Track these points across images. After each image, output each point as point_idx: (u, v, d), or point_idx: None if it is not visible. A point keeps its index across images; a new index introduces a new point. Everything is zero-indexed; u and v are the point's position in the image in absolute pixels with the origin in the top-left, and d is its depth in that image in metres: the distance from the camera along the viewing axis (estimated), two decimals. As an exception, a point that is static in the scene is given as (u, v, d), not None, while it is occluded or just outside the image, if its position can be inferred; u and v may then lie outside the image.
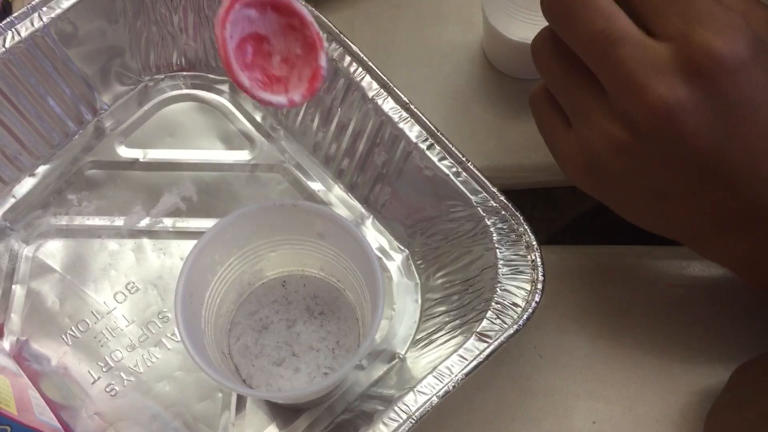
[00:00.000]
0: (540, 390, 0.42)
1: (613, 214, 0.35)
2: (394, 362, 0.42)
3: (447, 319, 0.40)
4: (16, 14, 0.41)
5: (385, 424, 0.35)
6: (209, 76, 0.48)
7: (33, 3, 0.41)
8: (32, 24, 0.41)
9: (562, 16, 0.30)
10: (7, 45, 0.41)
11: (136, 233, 0.45)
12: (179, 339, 0.42)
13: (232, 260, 0.37)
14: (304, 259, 0.39)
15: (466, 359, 0.36)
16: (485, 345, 0.36)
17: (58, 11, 0.42)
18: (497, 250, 0.38)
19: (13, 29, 0.41)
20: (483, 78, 0.49)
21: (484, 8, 0.46)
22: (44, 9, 0.42)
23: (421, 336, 0.42)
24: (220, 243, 0.35)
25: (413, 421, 0.34)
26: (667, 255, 0.45)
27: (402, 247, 0.44)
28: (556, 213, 0.59)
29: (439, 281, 0.42)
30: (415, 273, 0.44)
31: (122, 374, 0.42)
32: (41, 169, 0.46)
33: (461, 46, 0.50)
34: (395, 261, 0.44)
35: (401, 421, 0.34)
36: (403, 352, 0.42)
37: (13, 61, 0.42)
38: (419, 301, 0.43)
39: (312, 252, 0.38)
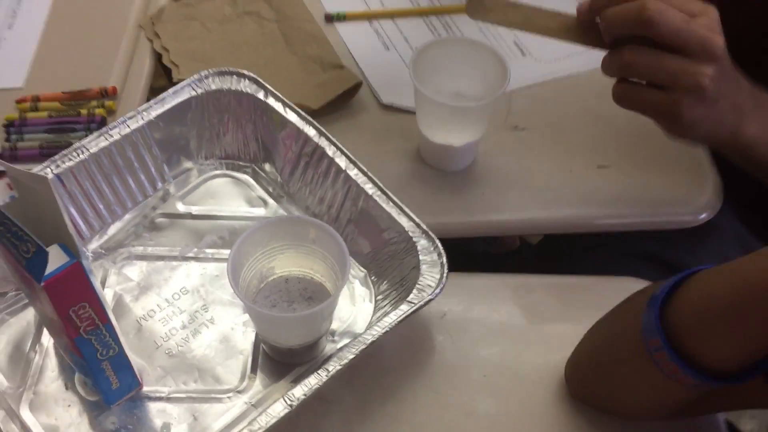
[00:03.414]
0: (448, 357, 0.64)
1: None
2: (355, 337, 0.64)
3: (390, 306, 0.63)
4: (128, 114, 0.67)
5: (350, 350, 0.57)
6: (239, 162, 0.73)
7: (139, 108, 0.67)
8: (137, 122, 0.67)
9: (663, 26, 0.55)
10: (122, 133, 0.66)
11: (187, 258, 0.68)
12: (215, 322, 0.65)
13: (257, 254, 0.60)
14: (301, 261, 0.62)
15: (402, 311, 0.59)
16: (412, 306, 0.59)
17: (154, 114, 0.68)
18: (419, 255, 0.62)
19: (125, 123, 0.67)
20: (418, 170, 0.75)
21: (419, 124, 0.73)
22: (144, 113, 0.68)
23: (373, 320, 0.64)
24: (251, 240, 0.59)
25: (365, 345, 0.57)
26: (539, 283, 0.70)
27: (362, 269, 0.68)
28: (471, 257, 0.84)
29: (385, 285, 0.66)
30: (370, 284, 0.67)
31: (176, 342, 0.64)
32: (126, 216, 0.70)
33: (402, 150, 0.76)
34: (357, 278, 0.68)
35: (365, 346, 0.57)
36: (361, 332, 0.64)
37: (123, 144, 0.67)
38: (373, 301, 0.66)
39: (307, 254, 0.61)
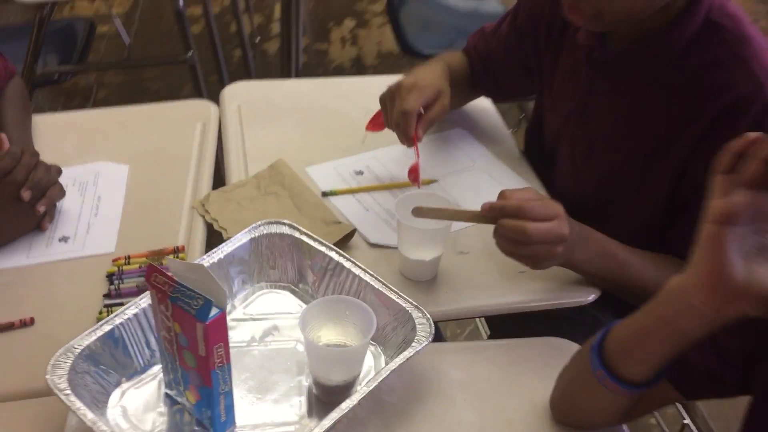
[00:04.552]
0: (435, 389, 0.96)
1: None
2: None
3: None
4: (212, 251, 1.01)
5: (375, 380, 0.88)
6: (281, 283, 1.07)
7: (217, 247, 1.02)
8: (219, 255, 1.01)
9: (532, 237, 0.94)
10: (210, 263, 1.00)
11: (252, 347, 0.99)
12: (276, 384, 0.95)
13: (312, 324, 0.93)
14: (339, 330, 0.95)
15: (408, 353, 0.91)
16: (411, 351, 0.92)
17: (228, 250, 1.02)
18: (416, 321, 0.96)
19: (210, 256, 1.01)
20: (400, 282, 1.10)
21: (400, 248, 1.09)
22: (220, 251, 1.02)
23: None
24: (309, 313, 0.92)
25: (383, 376, 0.88)
26: (491, 344, 1.03)
27: (374, 343, 1.00)
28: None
29: (392, 350, 0.98)
30: (381, 353, 0.99)
31: (250, 401, 0.93)
32: (208, 322, 1.01)
33: (388, 272, 1.11)
34: (371, 351, 1.00)
35: (382, 376, 0.88)
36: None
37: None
38: (384, 362, 0.98)
39: (345, 325, 0.94)
